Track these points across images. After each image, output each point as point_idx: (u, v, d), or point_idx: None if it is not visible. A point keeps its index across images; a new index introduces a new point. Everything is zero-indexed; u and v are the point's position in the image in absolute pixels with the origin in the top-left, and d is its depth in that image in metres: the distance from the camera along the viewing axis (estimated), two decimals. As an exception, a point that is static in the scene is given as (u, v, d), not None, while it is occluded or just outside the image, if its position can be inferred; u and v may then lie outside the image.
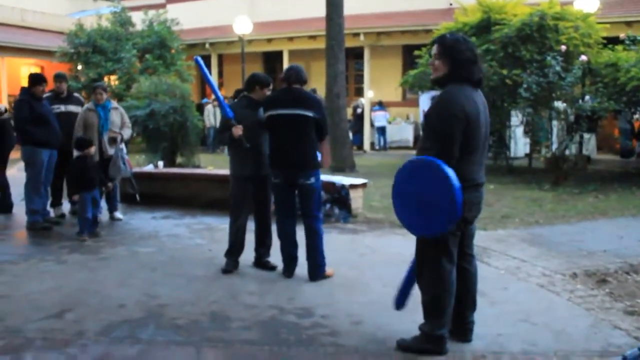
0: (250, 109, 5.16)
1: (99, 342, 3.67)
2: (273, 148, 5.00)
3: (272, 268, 5.26)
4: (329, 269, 5.01)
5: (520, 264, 5.44)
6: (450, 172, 3.20)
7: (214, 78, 21.87)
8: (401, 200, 3.45)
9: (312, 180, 4.91)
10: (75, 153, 6.71)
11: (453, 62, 3.42)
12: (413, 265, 3.66)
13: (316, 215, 4.98)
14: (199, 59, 5.56)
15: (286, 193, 5.00)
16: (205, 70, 5.53)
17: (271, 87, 5.34)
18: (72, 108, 7.57)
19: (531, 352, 3.50)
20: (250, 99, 5.24)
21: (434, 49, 3.53)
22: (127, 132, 7.56)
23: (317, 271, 4.95)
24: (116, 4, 19.97)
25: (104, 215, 7.26)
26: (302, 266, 5.06)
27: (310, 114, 4.83)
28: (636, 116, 13.83)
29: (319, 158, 5.06)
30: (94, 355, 3.48)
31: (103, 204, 7.17)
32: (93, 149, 6.70)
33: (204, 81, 23.74)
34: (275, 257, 5.29)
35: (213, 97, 20.70)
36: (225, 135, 5.12)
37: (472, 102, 3.37)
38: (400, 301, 3.78)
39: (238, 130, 5.01)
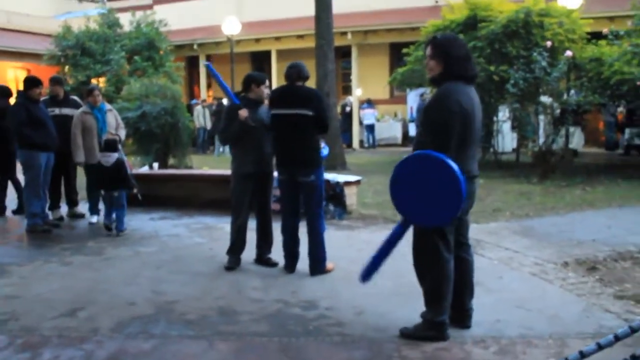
0: (249, 109, 5.27)
1: (113, 338, 3.80)
2: (276, 146, 5.16)
3: (274, 265, 5.40)
4: (329, 264, 5.17)
5: (513, 254, 5.63)
6: (455, 166, 3.36)
7: (202, 79, 21.99)
8: (403, 192, 3.54)
9: (312, 177, 5.04)
10: (108, 156, 6.79)
11: (446, 60, 3.61)
12: (386, 243, 3.70)
13: (316, 212, 5.12)
14: (210, 65, 5.66)
15: (290, 190, 5.15)
16: (216, 73, 5.66)
17: (267, 84, 5.49)
18: (67, 111, 7.63)
19: (528, 335, 3.69)
20: (248, 99, 5.37)
21: (428, 50, 3.72)
22: (122, 133, 7.69)
23: (317, 266, 5.10)
24: (102, 6, 19.98)
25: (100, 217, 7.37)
26: (303, 261, 5.22)
27: (309, 112, 4.96)
28: (620, 109, 14.16)
29: (325, 152, 5.23)
30: (110, 351, 3.60)
31: (101, 205, 7.32)
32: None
33: (191, 82, 23.88)
34: (276, 253, 5.44)
35: (202, 98, 20.85)
36: (233, 126, 5.21)
37: (468, 97, 3.55)
38: (367, 275, 3.80)
39: (244, 112, 5.14)
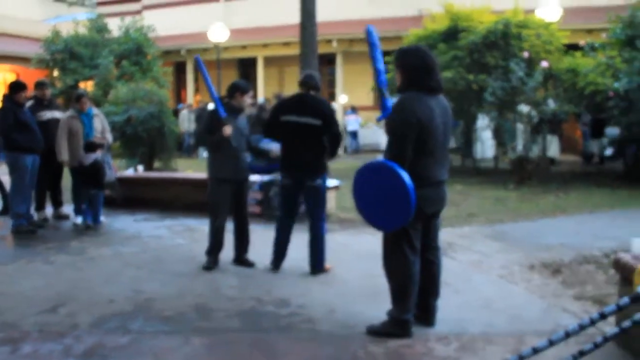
0: (230, 115, 5.47)
1: (92, 333, 3.95)
2: (284, 152, 5.35)
3: (251, 265, 5.59)
4: (327, 264, 5.39)
5: (483, 257, 5.85)
6: (403, 173, 3.56)
7: (190, 84, 22.09)
8: (361, 199, 3.82)
9: (319, 181, 5.28)
10: (88, 156, 7.23)
11: (403, 72, 3.83)
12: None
13: (320, 216, 5.35)
14: (199, 58, 5.83)
15: (292, 194, 5.36)
16: (204, 69, 5.81)
17: (251, 93, 5.69)
18: (57, 114, 7.78)
19: (489, 333, 3.90)
20: (231, 105, 5.56)
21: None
22: (109, 137, 7.83)
23: (317, 266, 5.33)
24: (91, 10, 20.11)
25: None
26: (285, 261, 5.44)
27: (318, 122, 5.16)
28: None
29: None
30: (88, 345, 3.76)
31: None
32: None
33: (179, 87, 23.99)
34: (253, 254, 5.63)
35: (188, 102, 20.97)
36: (214, 136, 5.40)
37: (426, 107, 3.69)
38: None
39: (228, 130, 5.34)
